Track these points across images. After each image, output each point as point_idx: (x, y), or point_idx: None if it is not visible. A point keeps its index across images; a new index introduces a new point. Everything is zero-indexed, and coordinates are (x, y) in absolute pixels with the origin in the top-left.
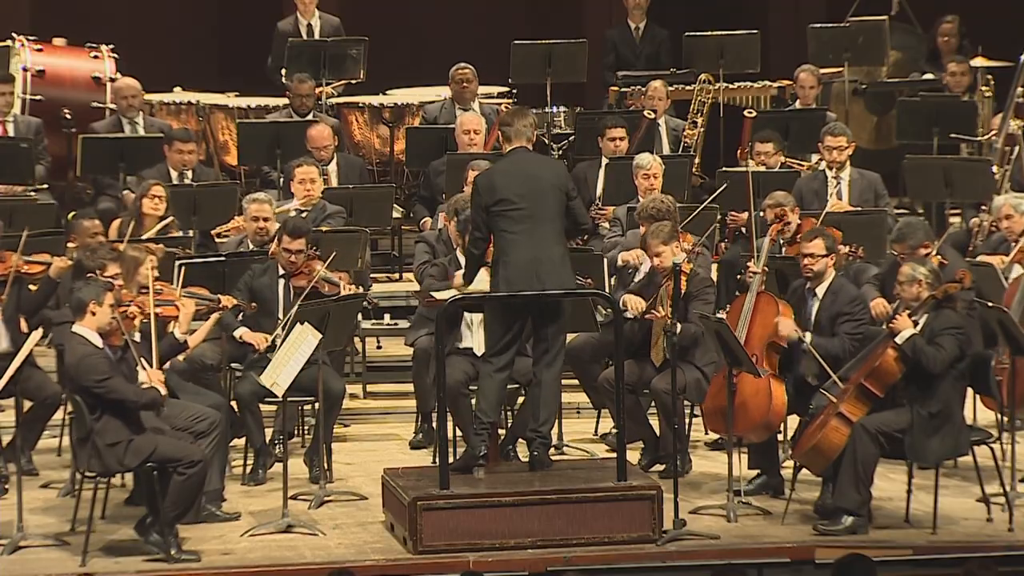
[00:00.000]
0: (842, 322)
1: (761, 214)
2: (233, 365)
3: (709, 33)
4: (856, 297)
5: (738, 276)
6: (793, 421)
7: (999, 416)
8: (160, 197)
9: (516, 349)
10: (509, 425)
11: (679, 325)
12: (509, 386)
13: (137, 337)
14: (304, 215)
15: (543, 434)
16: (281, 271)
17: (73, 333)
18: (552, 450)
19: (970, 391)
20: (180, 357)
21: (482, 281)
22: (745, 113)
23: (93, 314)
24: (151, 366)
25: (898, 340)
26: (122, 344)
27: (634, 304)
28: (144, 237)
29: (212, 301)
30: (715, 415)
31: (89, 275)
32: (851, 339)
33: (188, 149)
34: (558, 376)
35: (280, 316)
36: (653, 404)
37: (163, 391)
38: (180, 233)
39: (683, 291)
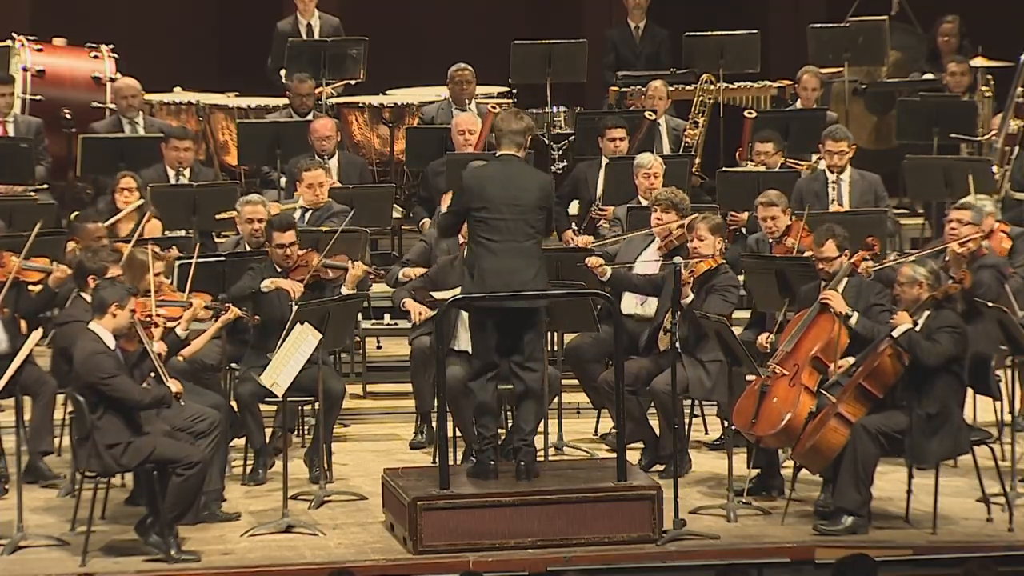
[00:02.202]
0: (879, 312)
1: (754, 213)
2: (233, 365)
3: (709, 33)
4: (877, 287)
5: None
6: None
7: (999, 416)
8: (130, 189)
9: (499, 356)
10: (510, 426)
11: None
12: (506, 386)
13: (157, 348)
14: (309, 214)
15: (528, 442)
16: (279, 269)
17: (88, 329)
18: (552, 450)
19: (970, 391)
20: (179, 357)
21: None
22: (745, 114)
23: (114, 316)
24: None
25: (894, 334)
26: (138, 351)
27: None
28: (149, 238)
29: (218, 305)
30: (739, 413)
31: (90, 276)
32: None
33: (184, 146)
34: (542, 384)
35: (284, 314)
36: (653, 404)
37: (175, 385)
38: (154, 214)
39: (707, 281)
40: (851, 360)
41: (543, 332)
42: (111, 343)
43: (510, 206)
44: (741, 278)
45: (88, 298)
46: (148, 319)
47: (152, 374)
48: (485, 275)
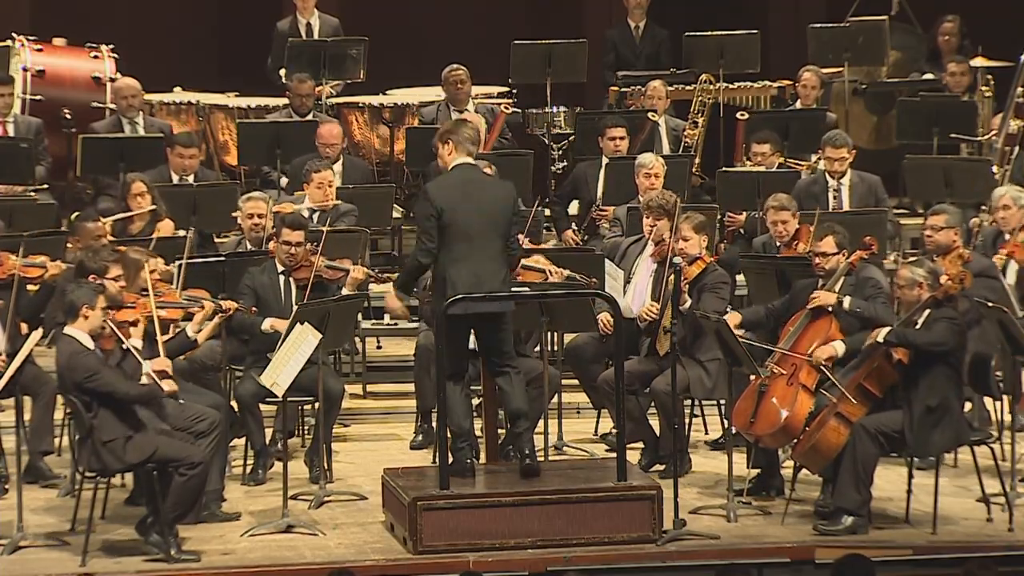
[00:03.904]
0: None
1: (763, 214)
2: (233, 365)
3: (709, 33)
4: (873, 281)
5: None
6: None
7: (999, 416)
8: (142, 194)
9: (468, 360)
10: (508, 426)
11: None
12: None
13: (139, 344)
14: (317, 215)
15: (526, 427)
16: (280, 268)
17: (64, 335)
18: (552, 450)
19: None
20: (180, 357)
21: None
22: (738, 116)
23: (85, 317)
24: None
25: (880, 339)
26: (114, 349)
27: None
28: (151, 238)
29: (216, 304)
30: (738, 413)
31: (91, 276)
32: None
33: (190, 154)
34: (522, 380)
35: (284, 314)
36: (653, 404)
37: (169, 385)
38: (166, 214)
39: (698, 281)
40: (839, 345)
41: (511, 334)
42: (89, 344)
43: (476, 213)
44: (740, 279)
45: None
46: (125, 322)
47: (144, 374)
48: (456, 285)
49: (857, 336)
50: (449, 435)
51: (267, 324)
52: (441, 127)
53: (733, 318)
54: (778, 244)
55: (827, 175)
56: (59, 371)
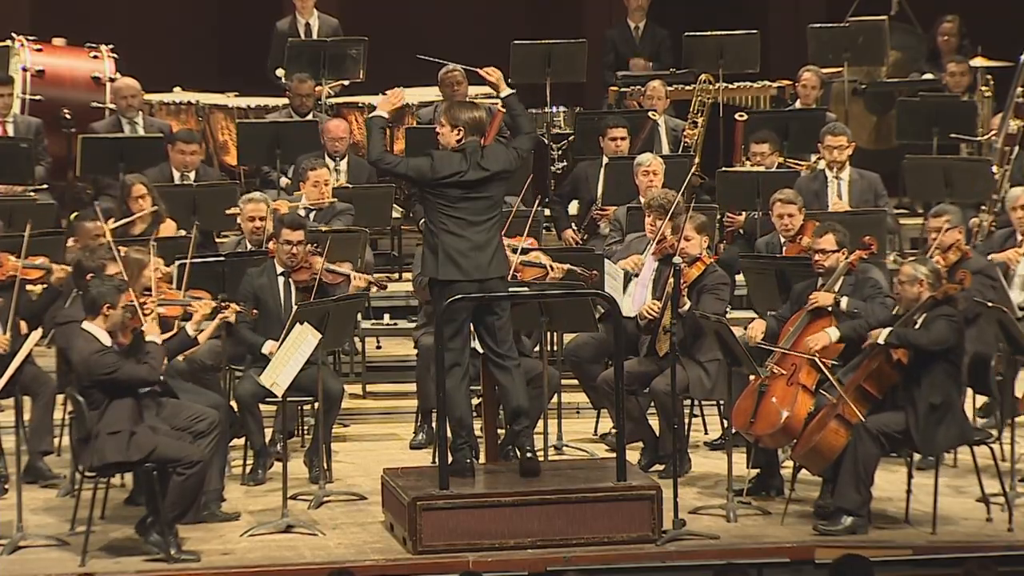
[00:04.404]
0: (876, 303)
1: (768, 211)
2: (233, 365)
3: (709, 33)
4: (872, 281)
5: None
6: None
7: (999, 416)
8: (143, 196)
9: (468, 349)
10: (508, 425)
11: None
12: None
13: (157, 339)
14: (314, 213)
15: (526, 425)
16: (279, 269)
17: (82, 330)
18: (552, 450)
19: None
20: (180, 357)
21: None
22: (736, 116)
23: (106, 316)
24: None
25: (880, 340)
26: (131, 342)
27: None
28: (152, 238)
29: (217, 303)
30: (738, 413)
31: (90, 275)
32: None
33: (191, 150)
34: (523, 376)
35: (284, 315)
36: (653, 404)
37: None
38: (168, 214)
39: (698, 283)
40: (833, 332)
41: (510, 321)
42: (107, 341)
43: (472, 187)
44: (740, 279)
45: None
46: (140, 304)
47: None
48: (454, 256)
49: (848, 323)
50: (449, 432)
51: (267, 348)
52: (450, 105)
53: (758, 329)
54: (783, 239)
55: (827, 170)
56: (74, 365)
